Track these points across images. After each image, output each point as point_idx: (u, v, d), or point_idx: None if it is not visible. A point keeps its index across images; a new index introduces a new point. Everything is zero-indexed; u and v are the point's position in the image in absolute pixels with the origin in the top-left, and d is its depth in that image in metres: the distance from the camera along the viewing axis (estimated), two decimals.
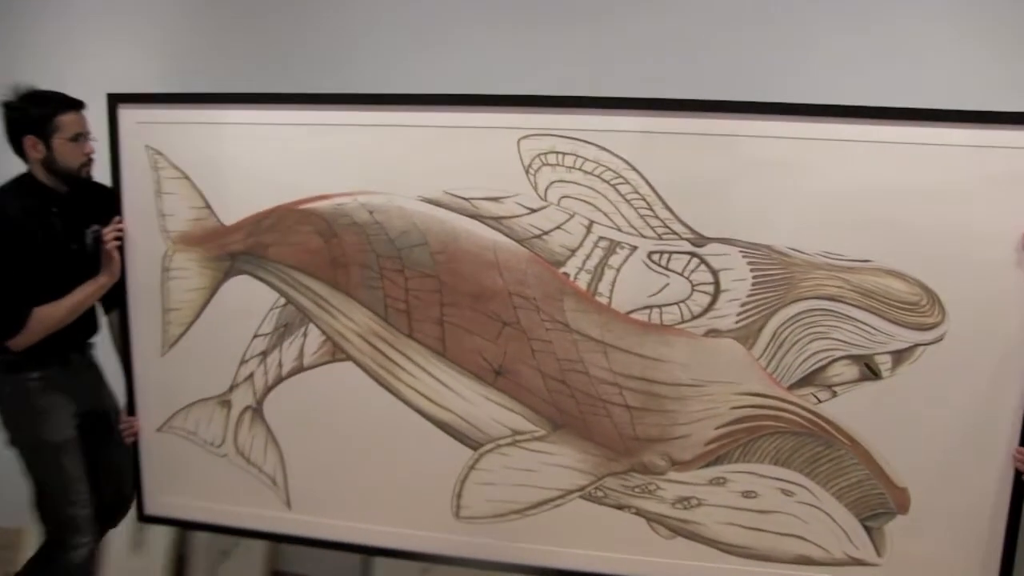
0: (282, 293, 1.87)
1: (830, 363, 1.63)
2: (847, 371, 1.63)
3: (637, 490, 1.76)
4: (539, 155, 1.69)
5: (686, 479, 1.73)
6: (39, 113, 1.80)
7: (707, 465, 1.72)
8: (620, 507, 1.77)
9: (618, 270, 1.69)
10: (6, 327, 1.81)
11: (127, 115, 1.89)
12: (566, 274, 1.71)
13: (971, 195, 1.55)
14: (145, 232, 1.92)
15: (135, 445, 2.02)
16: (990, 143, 1.53)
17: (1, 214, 1.81)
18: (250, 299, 1.89)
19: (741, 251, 1.64)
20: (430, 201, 1.76)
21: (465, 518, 1.85)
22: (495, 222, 1.73)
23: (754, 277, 1.64)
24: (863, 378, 1.62)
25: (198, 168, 1.88)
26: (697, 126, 1.63)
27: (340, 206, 1.80)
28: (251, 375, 1.92)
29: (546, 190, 1.70)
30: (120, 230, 1.90)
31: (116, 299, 1.98)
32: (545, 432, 1.77)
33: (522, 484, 1.81)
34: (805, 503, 1.69)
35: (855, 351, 1.62)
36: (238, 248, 1.88)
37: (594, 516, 1.78)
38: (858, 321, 1.60)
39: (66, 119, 1.83)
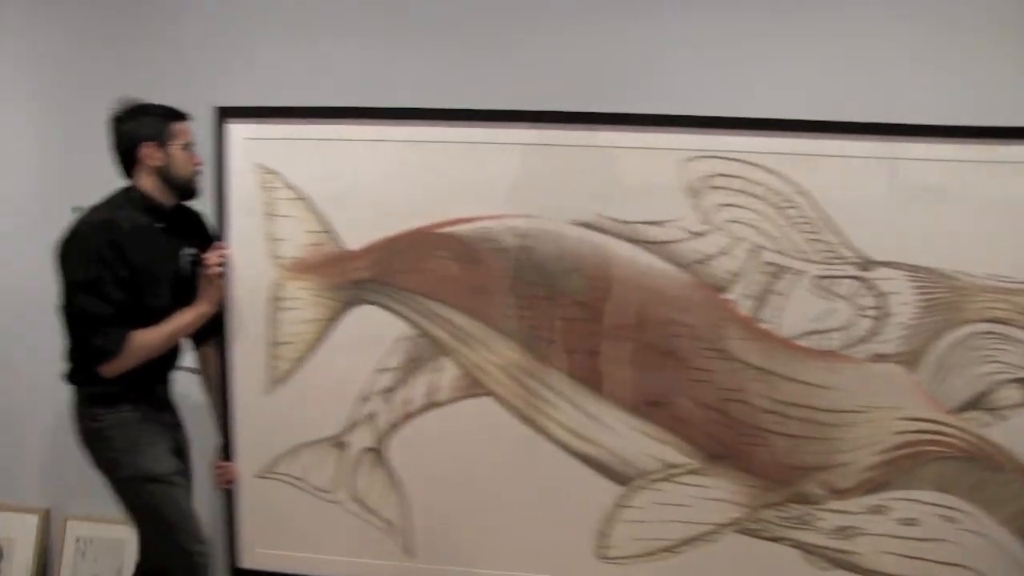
0: (414, 324, 1.85)
1: (998, 386, 1.75)
2: (1015, 394, 1.75)
3: (794, 521, 1.83)
4: (705, 177, 1.75)
5: (845, 508, 1.81)
6: (154, 120, 1.81)
7: (867, 493, 1.80)
8: (776, 539, 1.84)
9: (783, 295, 1.76)
10: (104, 350, 1.75)
11: (235, 131, 1.84)
12: (728, 300, 1.77)
13: None
14: (252, 258, 1.88)
15: (229, 492, 1.95)
16: None
17: (114, 227, 1.76)
18: (374, 331, 1.87)
19: (907, 275, 1.74)
20: (585, 225, 1.79)
21: (611, 559, 1.88)
22: (656, 247, 1.78)
23: (920, 300, 1.74)
24: None
25: (317, 189, 1.85)
26: (864, 149, 1.73)
27: (484, 230, 1.81)
28: (373, 413, 1.89)
29: (711, 214, 1.76)
30: (223, 255, 1.84)
31: (209, 331, 1.92)
32: (700, 464, 1.82)
33: (674, 520, 1.85)
34: (966, 529, 1.80)
35: (1022, 375, 1.74)
36: (363, 275, 1.85)
37: (748, 550, 1.84)
38: None
39: (179, 127, 1.84)
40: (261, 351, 1.90)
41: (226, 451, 1.94)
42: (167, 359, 1.92)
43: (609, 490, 1.85)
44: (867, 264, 1.75)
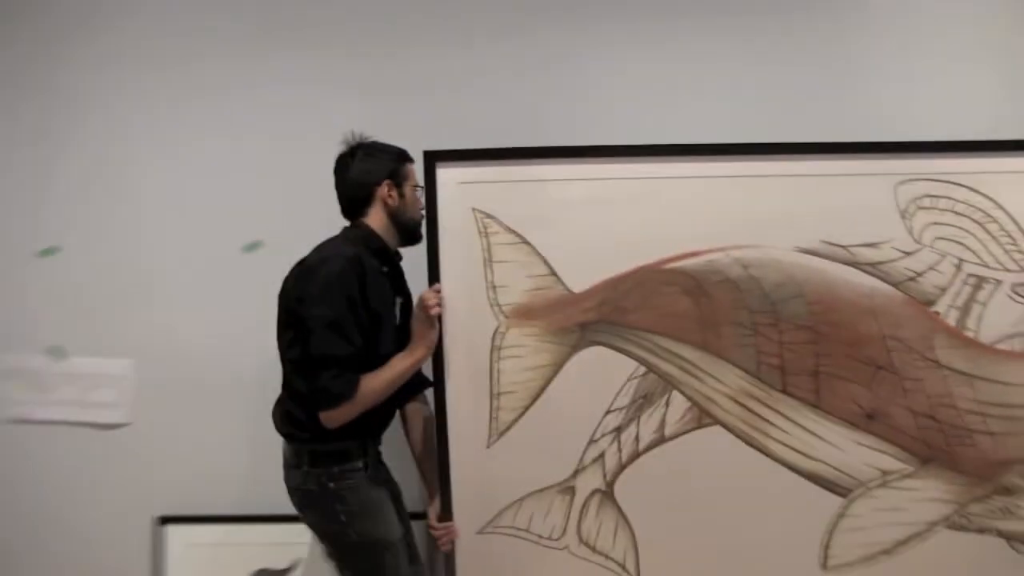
0: (642, 362, 1.99)
1: None
2: None
3: (999, 512, 2.12)
4: (915, 199, 2.00)
5: None
6: (390, 159, 1.89)
7: None
8: (982, 531, 2.13)
9: (984, 304, 2.04)
10: (336, 394, 1.77)
11: (447, 175, 1.90)
12: (937, 312, 2.04)
13: None
14: (471, 307, 1.94)
15: (450, 552, 2.01)
16: None
17: (358, 266, 1.79)
18: (603, 372, 1.99)
19: None
20: (807, 251, 1.99)
21: (833, 567, 2.10)
22: (872, 268, 2.01)
23: None
24: None
25: (537, 231, 1.94)
26: None
27: (711, 263, 1.98)
28: (601, 455, 2.02)
29: (921, 233, 2.01)
30: (440, 294, 1.90)
31: (415, 387, 1.97)
32: (914, 468, 2.08)
33: (890, 523, 2.10)
34: None
35: None
36: (590, 317, 1.97)
37: (957, 544, 2.12)
38: None
39: (410, 168, 1.92)
40: (484, 403, 1.97)
41: (447, 510, 2.00)
42: (388, 411, 1.95)
43: (831, 502, 2.07)
44: None
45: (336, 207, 1.94)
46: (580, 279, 1.97)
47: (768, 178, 1.98)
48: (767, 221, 1.99)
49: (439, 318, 1.90)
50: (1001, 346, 2.07)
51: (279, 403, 1.93)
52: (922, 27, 2.40)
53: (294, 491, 1.89)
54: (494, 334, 1.96)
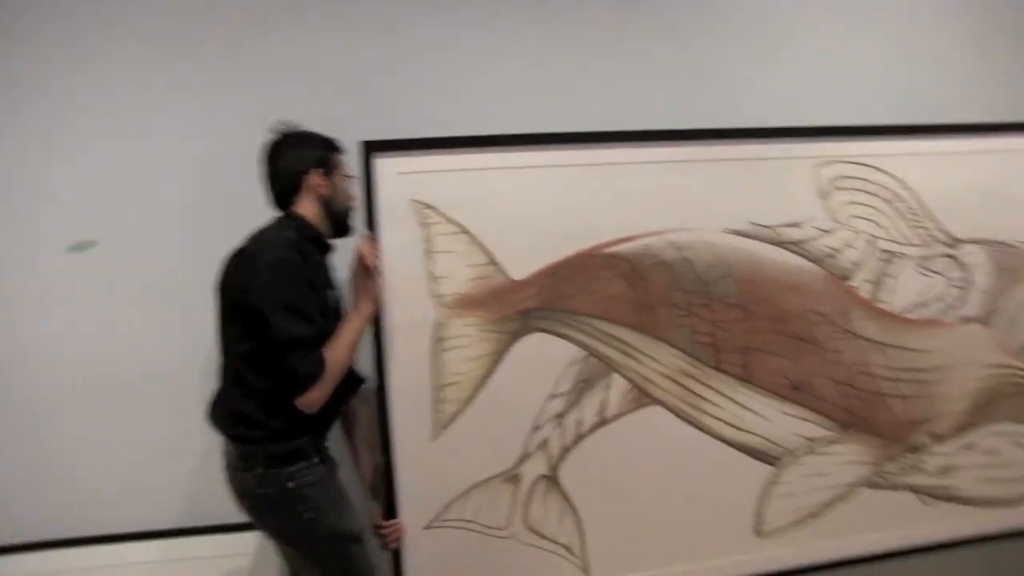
0: (583, 346, 2.07)
1: None
2: None
3: (908, 469, 2.34)
4: (833, 180, 2.16)
5: (945, 450, 2.36)
6: (320, 148, 1.90)
7: (960, 434, 2.36)
8: (895, 488, 2.34)
9: (895, 277, 2.23)
10: (309, 373, 1.75)
11: (385, 165, 1.91)
12: (853, 287, 2.21)
13: None
14: (412, 299, 1.96)
15: (397, 550, 2.04)
16: None
17: (300, 250, 1.79)
18: (545, 358, 2.06)
19: (985, 249, 2.30)
20: (736, 232, 2.12)
21: (767, 533, 2.26)
22: (795, 246, 2.16)
23: (995, 269, 2.31)
24: None
25: (477, 220, 1.97)
26: (951, 146, 2.24)
27: (647, 247, 2.07)
28: (545, 441, 2.08)
29: (838, 212, 2.17)
30: (375, 245, 1.91)
31: (352, 385, 1.99)
32: (836, 434, 2.26)
33: (816, 488, 2.27)
34: None
35: None
36: (531, 304, 2.02)
37: (874, 501, 2.32)
38: None
39: (340, 157, 1.92)
40: (426, 396, 2.00)
41: (392, 509, 2.02)
42: (334, 406, 1.94)
43: (763, 471, 2.23)
44: (955, 243, 2.27)
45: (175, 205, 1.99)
46: (520, 267, 2.02)
47: (699, 163, 2.09)
48: (699, 204, 2.09)
49: (378, 271, 1.92)
50: (909, 315, 2.27)
51: (220, 403, 1.89)
52: (828, 16, 2.56)
53: (248, 496, 1.86)
54: (436, 326, 1.99)
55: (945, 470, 2.37)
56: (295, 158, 1.88)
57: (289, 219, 1.87)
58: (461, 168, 1.97)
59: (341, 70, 2.23)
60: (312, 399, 1.77)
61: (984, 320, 2.33)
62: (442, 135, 1.98)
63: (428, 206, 1.95)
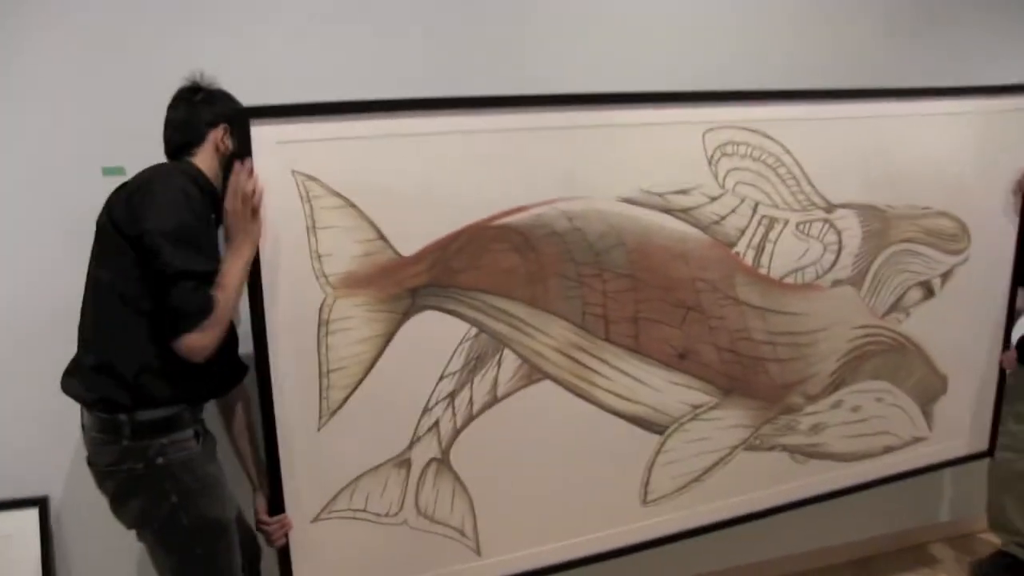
0: (473, 323, 2.14)
1: (907, 291, 2.69)
2: (916, 294, 2.71)
3: (783, 429, 2.61)
4: (719, 146, 2.32)
5: (816, 409, 2.64)
6: (234, 109, 1.93)
7: (830, 393, 2.65)
8: (771, 448, 2.61)
9: (775, 242, 2.45)
10: (198, 308, 1.74)
11: (263, 134, 1.88)
12: (737, 253, 2.41)
13: (978, 152, 2.71)
14: (294, 280, 1.96)
15: (284, 547, 2.07)
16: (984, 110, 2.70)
17: (196, 191, 1.83)
18: (435, 337, 2.12)
19: (856, 212, 2.56)
20: (628, 200, 2.24)
21: (651, 502, 2.46)
22: (683, 214, 2.31)
23: (863, 232, 2.58)
24: (925, 298, 2.72)
25: (364, 193, 1.99)
26: (831, 112, 2.46)
27: (539, 217, 2.16)
28: (436, 423, 2.16)
29: (724, 178, 2.35)
30: (255, 178, 1.87)
31: (234, 378, 1.99)
32: (718, 400, 2.48)
33: (699, 453, 2.49)
34: (890, 404, 2.77)
35: (922, 278, 2.71)
36: (421, 281, 2.07)
37: (751, 462, 2.58)
38: (925, 255, 2.69)
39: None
40: (312, 384, 2.02)
41: (278, 503, 2.03)
42: (216, 373, 1.95)
43: (650, 441, 2.41)
44: (831, 207, 2.51)
45: None
46: (409, 242, 2.05)
47: (590, 128, 2.18)
48: (591, 172, 2.19)
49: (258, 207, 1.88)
50: (787, 280, 2.50)
51: (81, 364, 1.83)
52: None
53: (109, 472, 1.80)
54: (321, 307, 1.99)
55: (815, 429, 2.66)
56: (208, 111, 1.94)
57: (186, 165, 1.87)
58: (346, 136, 1.95)
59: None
60: (197, 343, 1.74)
61: (853, 282, 2.60)
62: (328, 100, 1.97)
63: (311, 178, 1.93)
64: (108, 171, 2.16)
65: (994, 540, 3.30)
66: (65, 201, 2.20)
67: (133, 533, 1.96)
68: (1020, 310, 2.96)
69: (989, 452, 3.03)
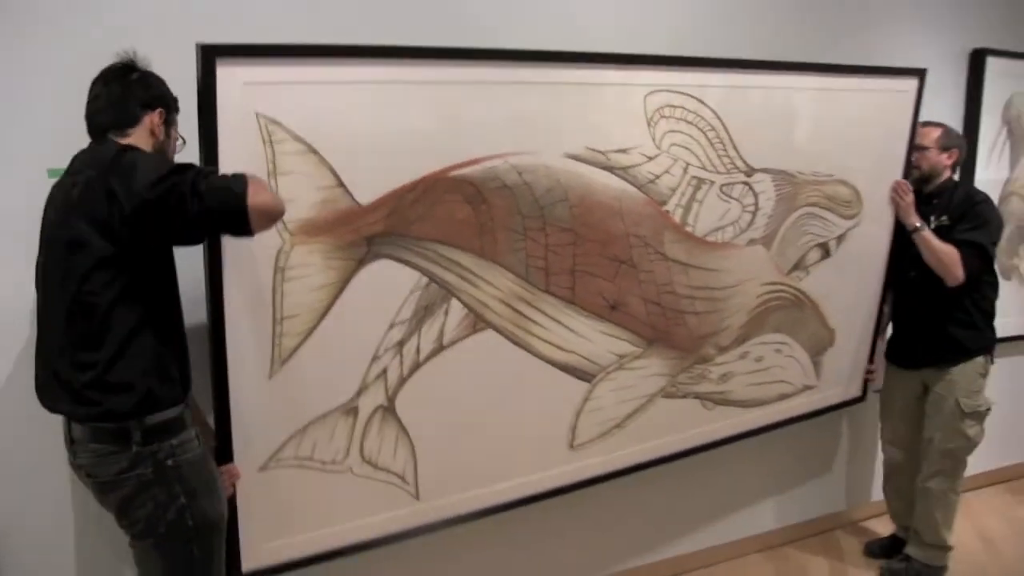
0: (425, 272, 2.14)
1: (808, 251, 2.86)
2: (815, 254, 2.89)
3: (696, 378, 2.74)
4: (658, 108, 2.39)
5: (725, 360, 2.79)
6: (168, 95, 1.85)
7: (738, 345, 2.80)
8: (685, 396, 2.74)
9: (701, 202, 2.55)
10: (229, 178, 1.68)
11: (229, 73, 1.79)
12: (667, 211, 2.49)
13: (870, 124, 2.90)
14: None
15: (231, 497, 2.02)
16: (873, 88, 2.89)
17: None
18: (388, 286, 2.10)
19: (772, 177, 2.69)
20: (574, 157, 2.28)
21: (578, 446, 2.55)
22: (623, 172, 2.37)
23: (776, 195, 2.72)
24: (823, 258, 2.91)
25: (327, 139, 1.93)
26: (751, 81, 2.56)
27: (491, 169, 2.16)
28: (384, 371, 2.15)
29: (661, 139, 2.41)
30: None
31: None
32: (641, 350, 2.58)
33: (622, 400, 2.59)
34: (787, 355, 2.95)
35: (821, 240, 2.89)
36: (377, 229, 2.04)
37: (667, 409, 2.71)
38: (825, 219, 2.87)
39: (177, 117, 1.89)
40: (265, 331, 1.96)
41: (226, 452, 1.98)
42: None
43: (580, 389, 2.49)
44: (751, 171, 2.63)
45: None
46: (367, 190, 2.01)
47: (540, 85, 2.19)
48: (540, 128, 2.21)
49: None
50: (710, 238, 2.61)
51: (64, 384, 1.72)
52: None
53: (117, 482, 1.74)
54: (278, 254, 1.93)
55: (724, 378, 2.81)
56: (143, 92, 1.80)
57: (123, 146, 1.74)
58: (310, 81, 1.89)
59: None
60: (261, 198, 1.67)
61: (765, 242, 2.75)
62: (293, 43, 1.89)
63: (274, 121, 1.85)
64: (54, 173, 1.95)
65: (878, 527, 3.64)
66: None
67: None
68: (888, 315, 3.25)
69: (861, 397, 3.30)
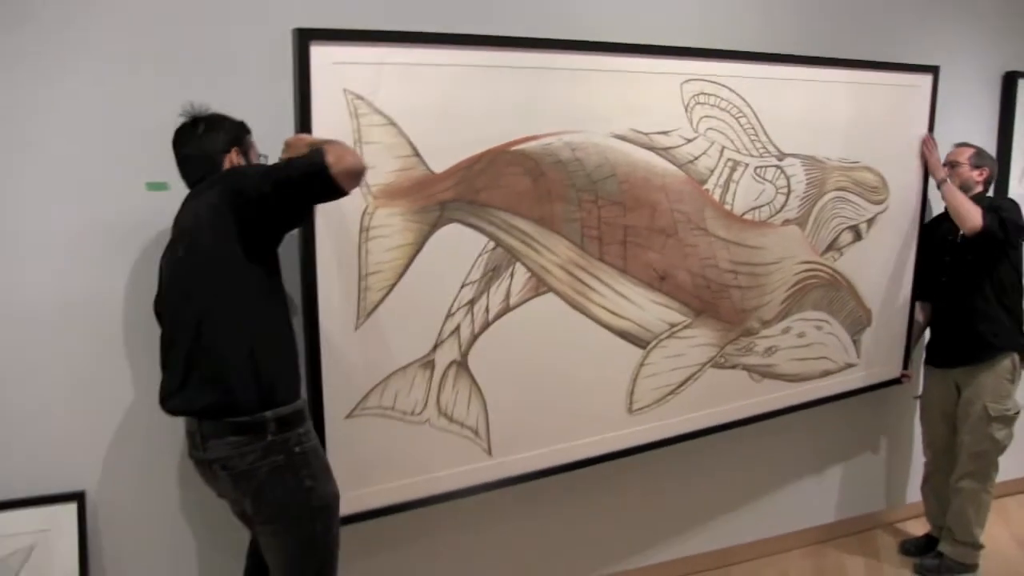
0: (492, 237, 2.35)
1: (840, 233, 3.04)
2: (848, 236, 3.07)
3: (743, 350, 2.89)
4: (694, 96, 2.61)
5: (769, 333, 2.95)
6: (234, 128, 2.06)
7: (780, 320, 2.96)
8: (733, 367, 2.89)
9: (737, 183, 2.75)
10: (308, 155, 1.88)
11: (321, 54, 2.05)
12: (707, 189, 2.69)
13: (891, 115, 3.10)
14: None
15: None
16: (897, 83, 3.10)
17: None
18: (459, 248, 2.32)
19: (801, 162, 2.89)
20: (619, 137, 2.50)
21: (636, 411, 2.70)
22: (664, 152, 2.59)
23: (807, 179, 2.91)
24: (855, 240, 3.08)
25: (404, 113, 2.18)
26: (782, 73, 2.79)
27: (547, 145, 2.39)
28: (457, 327, 2.35)
29: (697, 124, 2.64)
30: None
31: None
32: (690, 320, 2.75)
33: (675, 368, 2.75)
34: (828, 332, 3.10)
35: (852, 223, 3.06)
36: (448, 196, 2.27)
37: (718, 379, 2.86)
38: (854, 203, 3.05)
39: (251, 138, 2.10)
40: (353, 285, 2.18)
41: (319, 401, 2.17)
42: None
43: (635, 354, 2.66)
44: (782, 156, 2.84)
45: None
46: (440, 160, 2.24)
47: (590, 72, 2.43)
48: (590, 110, 2.45)
49: None
50: (747, 217, 2.80)
51: (188, 385, 1.92)
52: None
53: (251, 470, 1.90)
54: (363, 215, 2.16)
55: (769, 351, 2.96)
56: (211, 141, 2.00)
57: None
58: (392, 62, 2.14)
59: None
60: (341, 158, 1.84)
61: (799, 222, 2.93)
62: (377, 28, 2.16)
63: (359, 97, 2.11)
64: (152, 186, 2.21)
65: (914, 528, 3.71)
66: (102, 210, 2.22)
67: (168, 528, 2.32)
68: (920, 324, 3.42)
69: (898, 380, 3.42)
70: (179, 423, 2.07)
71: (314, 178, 1.85)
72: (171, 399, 1.96)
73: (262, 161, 2.12)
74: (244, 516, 2.09)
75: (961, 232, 3.09)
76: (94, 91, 2.17)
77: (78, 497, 2.26)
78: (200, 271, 1.91)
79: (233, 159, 2.02)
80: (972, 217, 2.96)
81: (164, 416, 1.97)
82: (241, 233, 1.89)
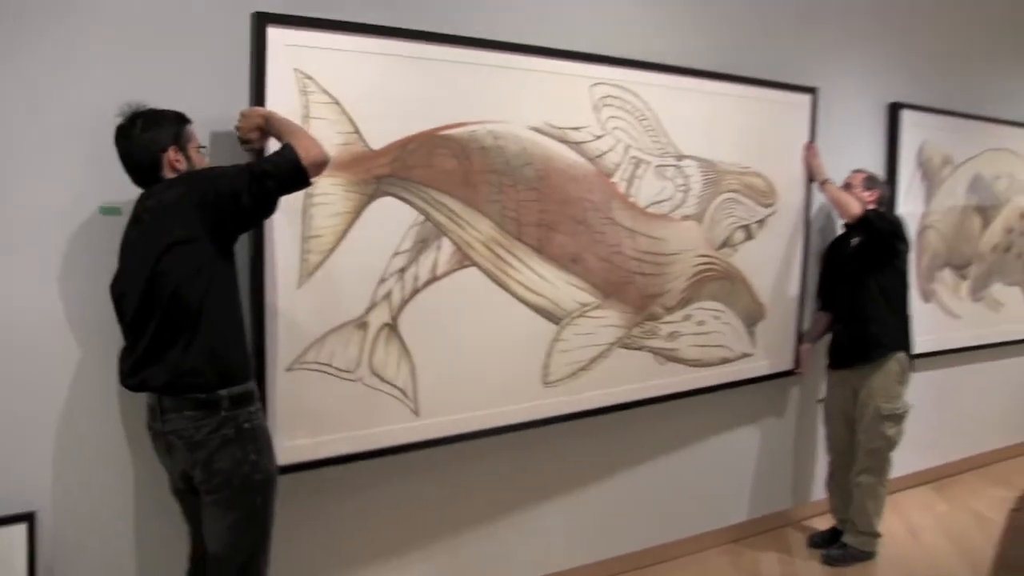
0: (422, 211, 2.61)
1: (733, 231, 3.40)
2: (740, 235, 3.42)
3: (648, 334, 3.20)
4: (602, 97, 2.95)
5: (672, 319, 3.26)
6: (171, 125, 2.15)
7: (682, 308, 3.27)
8: (640, 348, 3.18)
9: (641, 178, 3.09)
10: (282, 152, 2.10)
11: (276, 36, 2.31)
12: (614, 183, 3.02)
13: (777, 128, 3.50)
14: None
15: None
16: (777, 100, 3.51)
17: None
18: (392, 219, 2.57)
19: (698, 163, 3.25)
20: (536, 129, 2.81)
21: (550, 383, 2.96)
22: (575, 146, 2.91)
23: (703, 179, 3.27)
24: (747, 239, 3.44)
25: (348, 95, 2.44)
26: (680, 83, 3.16)
27: (472, 132, 2.68)
28: (389, 292, 2.59)
29: (605, 122, 2.97)
30: None
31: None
32: (599, 301, 3.04)
33: (586, 345, 3.03)
34: (724, 322, 3.43)
35: (744, 223, 3.43)
36: (384, 171, 2.53)
37: (625, 358, 3.14)
38: (745, 204, 3.42)
39: (190, 129, 2.20)
40: (296, 247, 2.40)
41: (261, 353, 2.37)
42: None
43: (549, 329, 2.93)
44: (681, 157, 3.19)
45: None
46: (378, 139, 2.51)
47: (513, 69, 2.75)
48: (510, 103, 2.75)
49: None
50: (650, 210, 3.13)
51: (160, 361, 2.05)
52: None
53: (204, 441, 2.07)
54: None
55: (672, 336, 3.27)
56: (150, 139, 2.10)
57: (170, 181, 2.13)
58: (339, 48, 2.41)
59: None
60: (307, 150, 2.08)
61: (697, 219, 3.28)
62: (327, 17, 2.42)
63: (308, 76, 2.37)
64: (105, 210, 2.32)
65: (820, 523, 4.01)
66: (55, 229, 2.30)
67: (115, 545, 2.40)
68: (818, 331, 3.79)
69: (791, 371, 3.76)
70: (136, 443, 2.24)
71: (288, 173, 2.09)
72: (132, 375, 2.11)
73: (202, 152, 2.22)
74: (181, 493, 2.24)
75: (853, 243, 3.50)
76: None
77: (28, 518, 2.26)
78: (166, 257, 2.03)
79: (172, 156, 2.12)
80: (852, 206, 3.37)
81: (119, 432, 2.16)
82: (212, 228, 2.05)
